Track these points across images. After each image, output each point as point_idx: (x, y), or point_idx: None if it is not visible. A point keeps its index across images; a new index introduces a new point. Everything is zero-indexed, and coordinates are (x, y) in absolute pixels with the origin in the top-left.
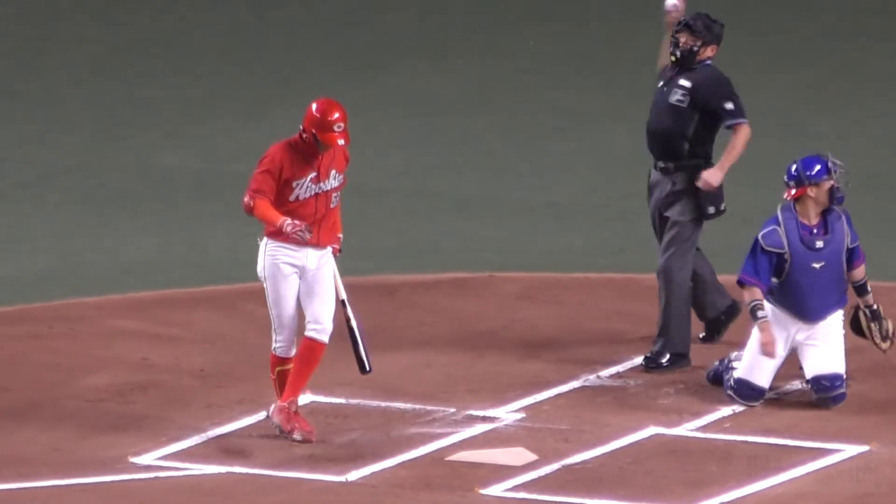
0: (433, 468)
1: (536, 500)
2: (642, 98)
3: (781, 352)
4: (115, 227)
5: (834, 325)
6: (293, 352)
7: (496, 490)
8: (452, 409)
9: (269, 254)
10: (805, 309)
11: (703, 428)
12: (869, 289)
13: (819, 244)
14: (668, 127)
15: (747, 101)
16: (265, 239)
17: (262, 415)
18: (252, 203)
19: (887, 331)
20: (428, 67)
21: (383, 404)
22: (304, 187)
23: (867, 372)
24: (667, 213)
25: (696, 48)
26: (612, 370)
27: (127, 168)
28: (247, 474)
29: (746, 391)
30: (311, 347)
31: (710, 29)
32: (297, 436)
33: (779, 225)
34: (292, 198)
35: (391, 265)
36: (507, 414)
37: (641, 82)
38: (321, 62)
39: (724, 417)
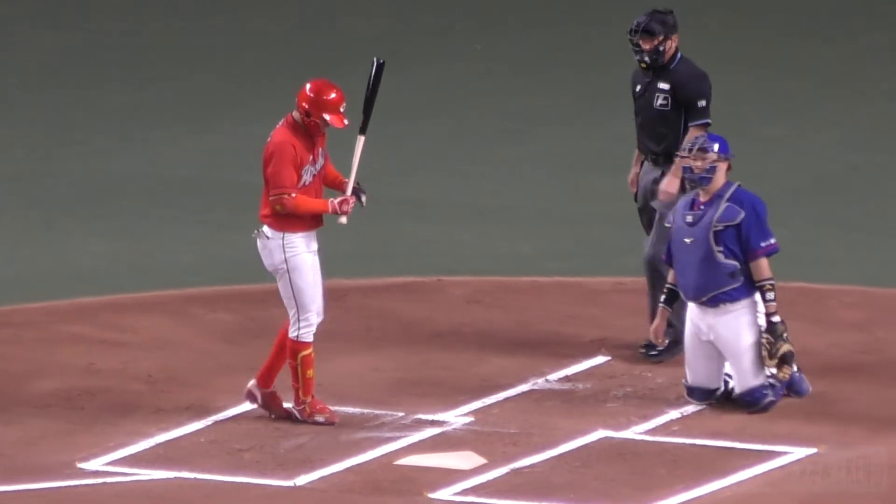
0: (382, 472)
1: (485, 503)
2: (592, 102)
3: (687, 341)
4: (64, 233)
5: (734, 326)
6: None
7: (445, 494)
8: (401, 414)
9: (289, 246)
10: (681, 286)
11: (652, 431)
12: (770, 296)
13: (689, 218)
14: (659, 130)
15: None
16: (281, 233)
17: (209, 420)
18: (293, 202)
19: (776, 351)
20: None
21: (332, 409)
22: (308, 171)
23: (815, 375)
24: (653, 204)
25: (661, 48)
26: (561, 374)
27: (76, 174)
28: (195, 480)
29: (690, 391)
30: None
31: (665, 23)
32: (319, 418)
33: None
34: (300, 184)
35: (341, 269)
36: (456, 418)
37: (591, 86)
38: (272, 68)
39: (672, 420)
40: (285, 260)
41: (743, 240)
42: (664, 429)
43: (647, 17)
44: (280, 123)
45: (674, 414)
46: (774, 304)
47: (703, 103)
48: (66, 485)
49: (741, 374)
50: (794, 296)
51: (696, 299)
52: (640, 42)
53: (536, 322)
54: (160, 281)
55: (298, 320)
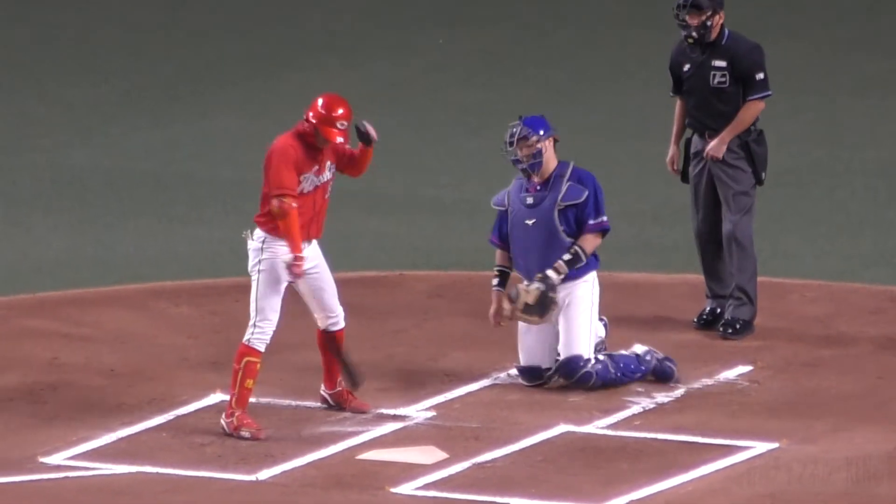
0: (344, 467)
1: (447, 498)
2: (553, 95)
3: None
4: (26, 227)
5: (576, 298)
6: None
7: (407, 488)
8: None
9: (270, 249)
10: (523, 268)
11: (614, 426)
12: (568, 258)
13: (530, 200)
14: (718, 109)
15: (661, 97)
16: (263, 235)
17: (171, 414)
18: (291, 211)
19: (517, 296)
20: (338, 66)
21: (294, 403)
22: (309, 180)
23: (777, 369)
24: (719, 177)
25: (708, 23)
26: None
27: (38, 167)
28: (157, 474)
29: (521, 371)
30: (336, 337)
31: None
32: (245, 433)
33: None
34: (298, 191)
35: None
36: (418, 412)
37: (552, 79)
38: (232, 61)
39: (634, 415)
40: (260, 262)
41: (579, 216)
42: (626, 423)
43: None
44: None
45: (636, 408)
46: (564, 270)
47: (761, 76)
48: (28, 479)
49: (567, 343)
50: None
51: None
52: (687, 18)
53: None
54: (123, 275)
55: (254, 325)
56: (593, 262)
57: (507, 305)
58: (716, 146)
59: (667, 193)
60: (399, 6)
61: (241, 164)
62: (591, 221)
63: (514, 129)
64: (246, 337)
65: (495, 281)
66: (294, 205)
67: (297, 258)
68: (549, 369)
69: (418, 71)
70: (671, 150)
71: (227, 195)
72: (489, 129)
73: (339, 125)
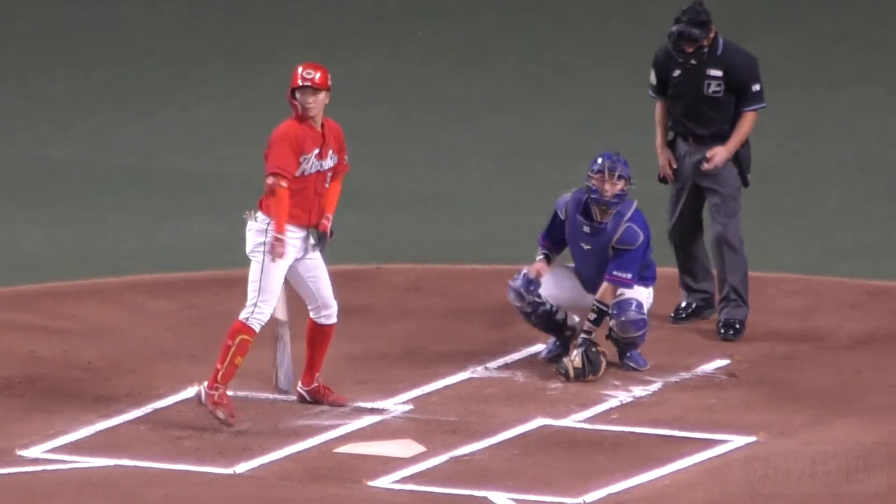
0: (321, 460)
1: (424, 491)
2: (533, 89)
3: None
4: (3, 220)
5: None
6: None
7: (384, 482)
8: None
9: (272, 232)
10: (581, 280)
11: (591, 419)
12: (593, 317)
13: (587, 230)
14: (708, 116)
15: (642, 91)
16: (268, 219)
17: (149, 408)
18: (281, 191)
19: (566, 369)
20: (319, 59)
21: (271, 396)
22: (310, 163)
23: (754, 363)
24: (706, 184)
25: (704, 48)
26: (501, 361)
27: (16, 160)
28: (135, 467)
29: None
30: (325, 332)
31: (703, 24)
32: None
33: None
34: (298, 173)
35: None
36: (396, 406)
37: (532, 73)
38: (211, 55)
39: (611, 409)
40: (265, 242)
41: (617, 260)
42: (603, 417)
43: (686, 23)
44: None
45: (613, 402)
46: (594, 326)
47: (757, 87)
48: (5, 472)
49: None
50: None
51: (592, 291)
52: (683, 46)
53: (476, 310)
54: (101, 268)
55: (255, 304)
56: (642, 279)
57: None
58: (720, 159)
59: (647, 188)
60: (379, 0)
61: (221, 158)
62: (617, 273)
63: (613, 163)
64: (244, 315)
65: (538, 256)
66: (284, 184)
67: (277, 239)
68: (543, 305)
69: (398, 65)
70: (663, 154)
71: (207, 189)
72: (469, 122)
73: (305, 73)
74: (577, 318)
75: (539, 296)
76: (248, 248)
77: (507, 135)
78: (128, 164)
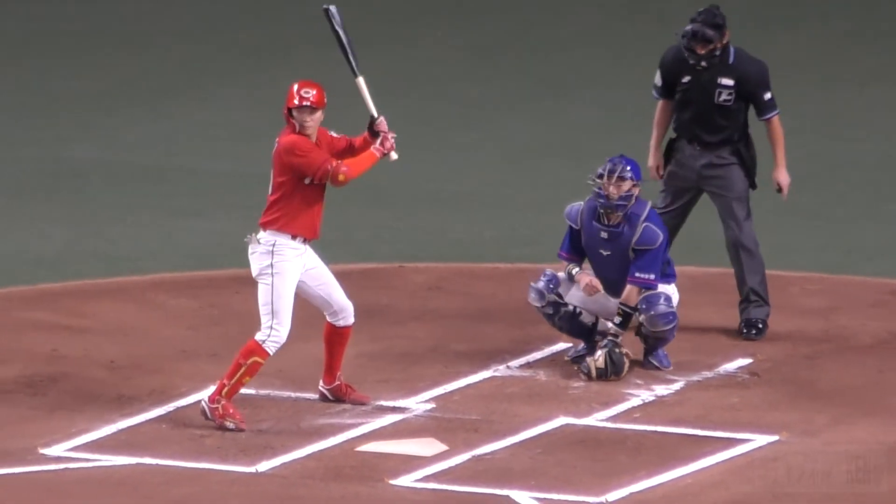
0: (343, 459)
1: (446, 490)
2: (551, 89)
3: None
4: (26, 219)
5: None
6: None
7: (406, 480)
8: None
9: (278, 252)
10: (603, 285)
11: (613, 418)
12: (617, 321)
13: (604, 235)
14: (718, 124)
15: (647, 95)
16: (273, 239)
17: (171, 406)
18: (348, 170)
19: (588, 369)
20: (337, 59)
21: (293, 395)
22: None
23: (777, 362)
24: (713, 189)
25: (717, 51)
26: (523, 360)
27: (38, 160)
28: (156, 465)
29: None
30: (343, 334)
31: (718, 26)
32: (229, 424)
33: (584, 203)
34: (307, 181)
35: None
36: (418, 404)
37: (551, 72)
38: (230, 54)
39: (633, 407)
40: (272, 264)
41: (638, 261)
42: (626, 415)
43: (700, 23)
44: (282, 131)
45: (635, 401)
46: (620, 329)
47: (768, 95)
48: (28, 470)
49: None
50: None
51: (616, 297)
52: (697, 48)
53: (498, 309)
54: (122, 267)
55: (271, 328)
56: (664, 277)
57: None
58: (787, 181)
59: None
60: (398, 0)
61: (241, 157)
62: (639, 275)
63: (614, 165)
64: (260, 338)
65: (576, 269)
66: (340, 165)
67: (381, 142)
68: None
69: (417, 64)
70: (655, 157)
71: (227, 188)
72: (488, 122)
73: (303, 93)
74: (609, 324)
75: (559, 294)
76: (254, 272)
77: (527, 133)
78: (148, 164)
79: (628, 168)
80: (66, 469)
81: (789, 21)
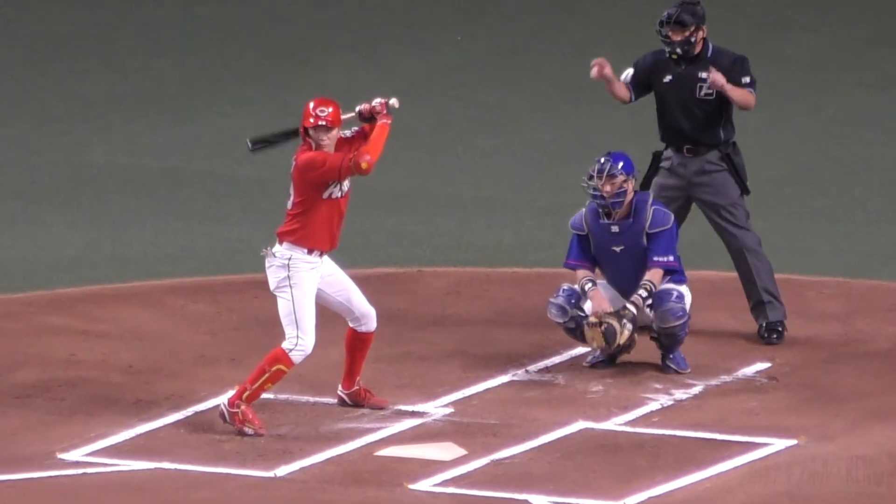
0: (362, 463)
1: (465, 494)
2: (570, 93)
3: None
4: (44, 224)
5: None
6: None
7: (425, 485)
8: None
9: (294, 267)
10: (618, 288)
11: (632, 422)
12: (643, 293)
13: (615, 229)
14: (701, 119)
15: None
16: (289, 253)
17: (189, 411)
18: (368, 157)
19: (613, 336)
20: (358, 63)
21: (312, 400)
22: (337, 186)
23: (795, 366)
24: (705, 197)
25: (692, 38)
26: (541, 365)
27: (57, 164)
28: (175, 470)
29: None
30: (364, 339)
31: (695, 14)
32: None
33: (586, 208)
34: (325, 195)
35: None
36: (436, 409)
37: (569, 77)
38: (250, 59)
39: (652, 412)
40: (289, 276)
41: (654, 245)
42: (644, 420)
43: (676, 8)
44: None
45: (654, 405)
46: (639, 300)
47: (747, 80)
48: (46, 475)
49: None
50: None
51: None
52: (671, 33)
53: (516, 313)
54: (140, 272)
55: (297, 337)
56: (681, 276)
57: (598, 340)
58: (718, 76)
59: None
60: (418, 4)
61: (260, 162)
62: (657, 258)
63: (602, 165)
64: (287, 346)
65: (589, 285)
66: (360, 155)
67: (381, 105)
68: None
69: (437, 69)
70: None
71: (246, 193)
72: (508, 127)
73: (318, 112)
74: (633, 296)
75: (582, 309)
76: (272, 286)
77: (545, 139)
78: (166, 169)
79: (619, 164)
80: (85, 474)
81: (810, 25)
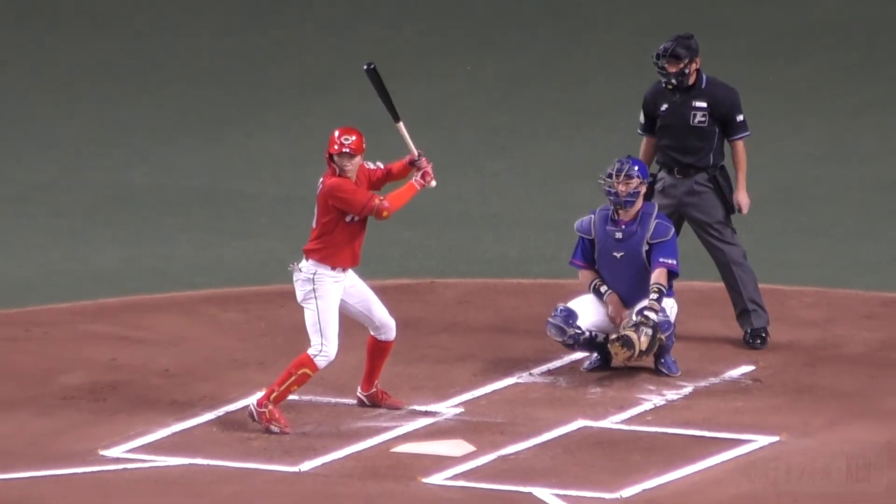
0: (379, 459)
1: (474, 487)
2: (573, 117)
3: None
4: (88, 239)
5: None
6: None
7: (437, 479)
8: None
9: (319, 280)
10: (616, 293)
11: (628, 421)
12: (654, 296)
13: (618, 235)
14: (694, 145)
15: None
16: (314, 268)
17: (221, 411)
18: (390, 206)
19: (632, 344)
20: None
21: (333, 400)
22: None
23: (777, 369)
24: (694, 215)
25: (686, 70)
26: (544, 368)
27: (98, 184)
28: (207, 465)
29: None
30: (384, 347)
31: (689, 48)
32: (274, 428)
33: (594, 214)
34: (348, 218)
35: None
36: (448, 409)
37: (571, 102)
38: (275, 87)
39: (646, 411)
40: (314, 290)
41: (658, 250)
42: (639, 419)
43: (672, 42)
44: (325, 173)
45: (648, 405)
46: (658, 307)
47: (741, 118)
48: (89, 471)
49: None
50: None
51: (628, 306)
52: (666, 65)
53: (521, 321)
54: (176, 283)
55: (321, 345)
56: (670, 291)
57: (621, 352)
58: (745, 201)
59: None
60: (431, 35)
61: (285, 182)
62: (663, 260)
63: (622, 165)
64: (312, 352)
65: (603, 288)
66: (383, 201)
67: (422, 176)
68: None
69: (449, 96)
70: None
71: (273, 210)
72: (514, 148)
73: (343, 139)
74: (644, 302)
75: (579, 327)
76: (299, 298)
77: (549, 159)
78: (199, 188)
79: (636, 167)
80: (125, 469)
81: (794, 55)
